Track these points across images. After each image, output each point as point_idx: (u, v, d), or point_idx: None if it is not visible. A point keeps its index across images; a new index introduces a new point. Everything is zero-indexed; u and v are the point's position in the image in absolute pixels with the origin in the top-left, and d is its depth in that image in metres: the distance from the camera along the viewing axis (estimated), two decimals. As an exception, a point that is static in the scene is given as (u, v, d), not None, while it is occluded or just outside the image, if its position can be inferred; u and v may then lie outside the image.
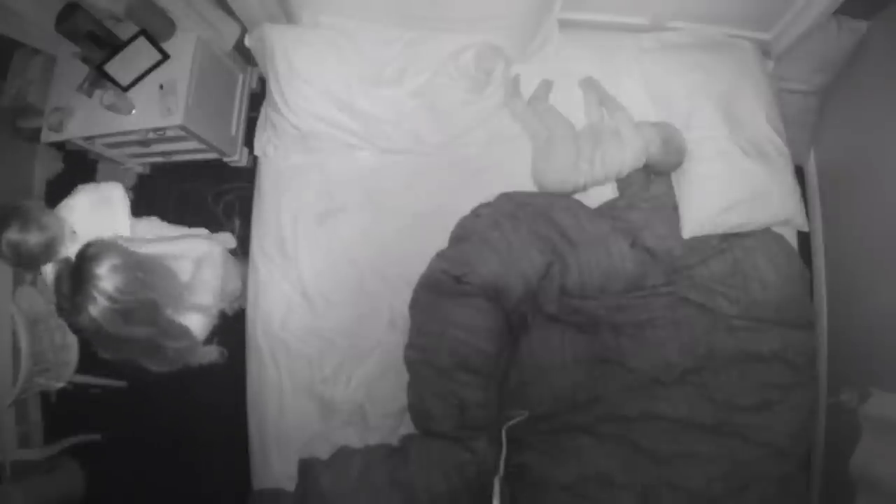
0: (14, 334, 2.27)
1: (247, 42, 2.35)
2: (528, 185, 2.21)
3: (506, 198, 2.14)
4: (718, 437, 1.92)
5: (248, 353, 2.17)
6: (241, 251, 2.82)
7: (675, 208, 2.13)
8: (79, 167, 3.10)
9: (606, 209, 2.19)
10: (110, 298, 1.41)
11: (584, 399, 1.99)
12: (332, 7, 2.15)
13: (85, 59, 2.41)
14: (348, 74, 2.17)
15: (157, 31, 2.36)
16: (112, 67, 2.32)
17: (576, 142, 2.09)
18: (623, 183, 2.21)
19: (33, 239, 1.71)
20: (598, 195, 2.22)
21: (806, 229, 2.23)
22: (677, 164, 2.12)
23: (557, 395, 1.99)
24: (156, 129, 2.41)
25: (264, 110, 2.39)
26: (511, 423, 1.93)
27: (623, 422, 1.95)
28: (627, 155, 2.07)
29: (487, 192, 2.18)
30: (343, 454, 1.94)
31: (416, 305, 2.02)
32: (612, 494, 1.86)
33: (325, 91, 2.17)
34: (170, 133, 2.44)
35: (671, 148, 2.09)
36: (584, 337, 2.03)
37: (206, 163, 2.87)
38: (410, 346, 1.96)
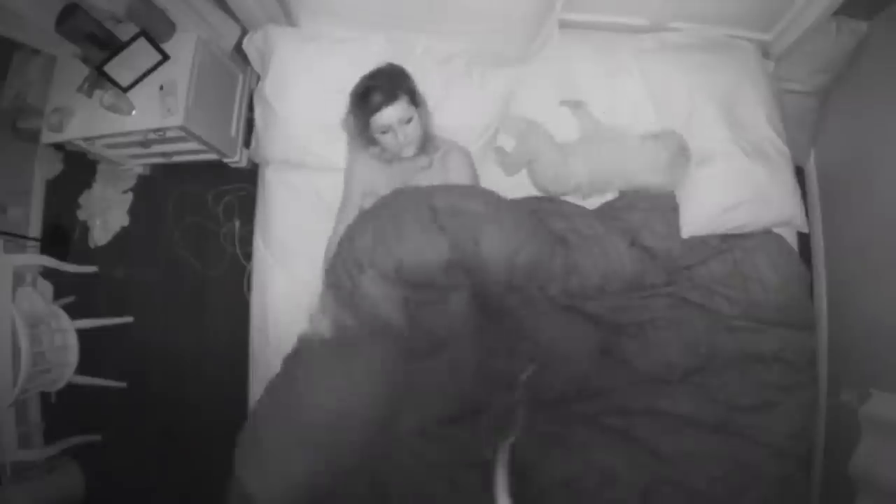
0: (14, 335, 2.27)
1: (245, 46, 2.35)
2: (526, 184, 2.23)
3: None
4: (720, 437, 1.91)
5: (251, 354, 2.18)
6: (242, 252, 2.84)
7: (675, 209, 2.13)
8: (79, 168, 3.12)
9: (606, 208, 2.20)
10: None
11: (590, 390, 1.97)
12: (331, 6, 2.15)
13: (85, 60, 2.41)
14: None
15: (157, 32, 2.36)
16: (112, 68, 2.32)
17: (559, 148, 2.14)
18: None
19: None
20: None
21: (806, 230, 2.22)
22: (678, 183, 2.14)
23: (566, 382, 1.97)
24: (156, 130, 2.41)
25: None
26: (525, 374, 1.89)
27: (626, 416, 1.94)
28: (629, 163, 2.09)
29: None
30: None
31: None
32: (613, 490, 1.85)
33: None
34: (170, 134, 2.44)
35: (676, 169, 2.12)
36: (593, 328, 2.03)
37: (206, 164, 2.88)
38: None
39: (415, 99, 1.88)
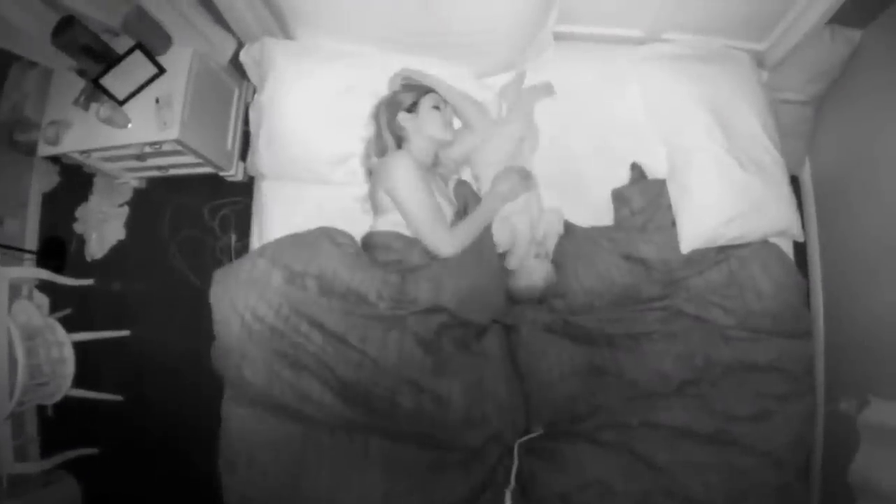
0: (10, 348, 2.26)
1: (242, 58, 2.36)
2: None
3: None
4: (716, 447, 1.91)
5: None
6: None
7: (673, 223, 2.12)
8: (75, 181, 3.12)
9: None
10: None
11: (583, 411, 1.98)
12: (327, 21, 2.16)
13: (81, 73, 2.41)
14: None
15: (153, 45, 2.37)
16: (108, 81, 2.33)
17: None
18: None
19: None
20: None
21: (802, 239, 2.22)
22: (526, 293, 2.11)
23: (557, 408, 1.99)
24: (152, 143, 2.41)
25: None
26: (525, 438, 1.93)
27: (623, 430, 1.93)
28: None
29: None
30: None
31: None
32: (611, 503, 1.85)
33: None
34: (166, 147, 2.44)
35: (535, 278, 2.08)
36: (580, 349, 2.03)
37: (203, 177, 2.88)
38: None
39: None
